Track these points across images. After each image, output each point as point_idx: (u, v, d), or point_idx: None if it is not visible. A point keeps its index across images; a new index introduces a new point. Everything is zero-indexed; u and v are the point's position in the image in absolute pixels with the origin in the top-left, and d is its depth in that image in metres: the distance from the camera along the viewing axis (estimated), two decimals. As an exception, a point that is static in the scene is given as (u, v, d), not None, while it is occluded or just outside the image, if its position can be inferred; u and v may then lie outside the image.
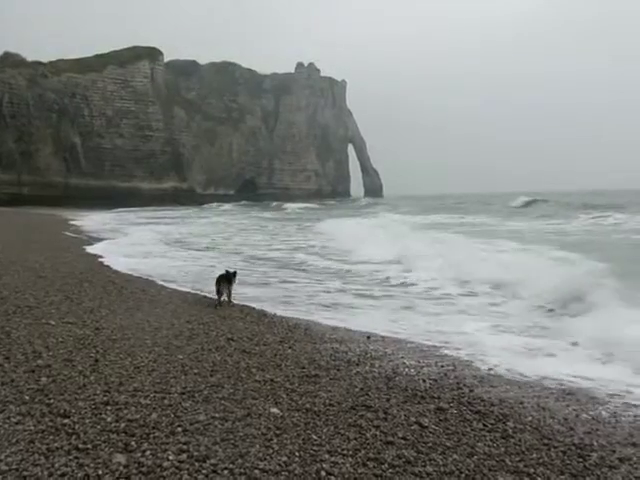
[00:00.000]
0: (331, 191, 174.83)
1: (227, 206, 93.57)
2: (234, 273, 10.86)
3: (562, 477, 4.22)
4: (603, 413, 5.53)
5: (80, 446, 4.28)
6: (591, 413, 5.52)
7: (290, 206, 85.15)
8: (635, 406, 5.71)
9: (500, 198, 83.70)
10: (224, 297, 10.67)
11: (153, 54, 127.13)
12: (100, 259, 18.05)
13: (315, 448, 4.47)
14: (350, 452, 4.44)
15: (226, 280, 10.68)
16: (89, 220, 49.05)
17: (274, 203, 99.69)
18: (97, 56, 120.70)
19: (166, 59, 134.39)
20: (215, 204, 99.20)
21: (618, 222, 33.88)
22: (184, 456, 4.21)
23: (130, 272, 14.91)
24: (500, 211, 53.77)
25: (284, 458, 4.27)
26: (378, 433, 4.82)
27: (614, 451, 4.66)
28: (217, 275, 10.93)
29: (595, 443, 4.81)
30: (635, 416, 5.46)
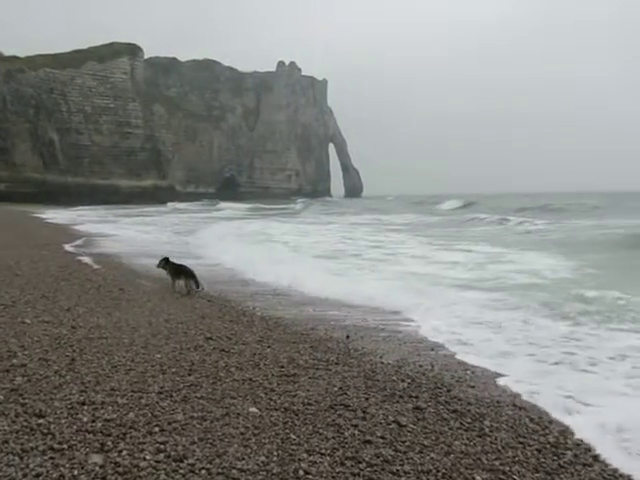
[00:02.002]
0: (312, 190, 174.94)
1: (182, 205, 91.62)
2: (166, 259, 12.26)
3: (537, 475, 4.27)
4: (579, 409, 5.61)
5: (55, 446, 4.23)
6: (568, 409, 5.60)
7: (231, 206, 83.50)
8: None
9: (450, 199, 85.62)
10: (192, 286, 11.76)
11: (133, 50, 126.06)
12: (78, 257, 17.85)
13: (293, 447, 4.48)
14: (328, 451, 4.45)
15: (177, 269, 12.06)
16: (67, 217, 48.48)
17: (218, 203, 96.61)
18: (75, 52, 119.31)
19: (146, 56, 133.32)
20: (172, 203, 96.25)
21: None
22: (161, 456, 4.18)
23: (109, 270, 14.77)
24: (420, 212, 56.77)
25: (262, 457, 4.27)
26: (356, 432, 4.84)
27: (588, 449, 4.74)
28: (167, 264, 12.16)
29: (570, 442, 4.88)
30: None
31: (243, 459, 4.22)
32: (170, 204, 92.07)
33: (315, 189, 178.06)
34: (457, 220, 43.92)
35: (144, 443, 4.36)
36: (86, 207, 77.56)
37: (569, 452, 4.66)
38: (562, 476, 4.27)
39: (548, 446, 4.76)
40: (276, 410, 5.24)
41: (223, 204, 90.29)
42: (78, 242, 24.03)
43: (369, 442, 4.65)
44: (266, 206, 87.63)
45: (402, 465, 4.30)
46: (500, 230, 33.29)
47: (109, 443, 4.33)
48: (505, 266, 16.44)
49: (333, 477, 4.08)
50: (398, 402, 5.66)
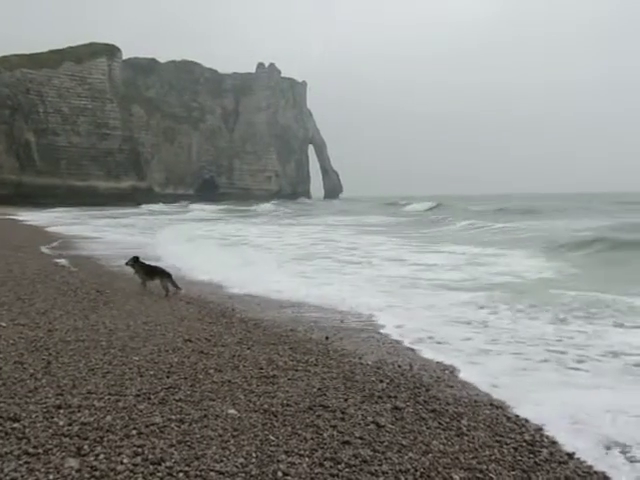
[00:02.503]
0: (291, 192, 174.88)
1: (157, 207, 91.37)
2: (136, 258, 12.28)
3: (513, 473, 4.32)
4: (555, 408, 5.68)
5: (31, 450, 4.18)
6: (543, 408, 5.66)
7: (203, 207, 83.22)
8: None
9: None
10: (169, 287, 11.78)
11: (111, 51, 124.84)
12: (55, 259, 17.63)
13: (272, 449, 4.47)
14: (307, 452, 4.45)
15: (150, 269, 12.13)
16: (43, 219, 47.86)
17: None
18: (52, 52, 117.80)
19: (124, 57, 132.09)
20: (146, 205, 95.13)
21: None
22: (139, 459, 4.15)
23: (86, 272, 14.60)
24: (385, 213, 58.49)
25: (241, 459, 4.26)
26: (335, 433, 4.85)
27: (563, 446, 4.80)
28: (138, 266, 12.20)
29: (546, 440, 4.94)
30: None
31: (221, 461, 4.21)
32: (144, 206, 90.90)
33: (295, 191, 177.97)
34: (421, 221, 44.46)
35: (121, 446, 4.33)
36: (61, 209, 76.74)
37: (545, 450, 4.72)
38: (538, 474, 4.33)
39: (524, 444, 4.82)
40: (255, 412, 5.23)
41: (195, 206, 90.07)
42: (54, 244, 23.74)
43: (348, 443, 4.66)
44: (237, 207, 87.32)
45: (380, 465, 4.32)
46: (470, 230, 33.63)
47: (85, 447, 4.28)
48: (483, 267, 16.60)
49: (312, 478, 4.09)
50: (377, 402, 5.68)
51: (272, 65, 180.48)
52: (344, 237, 28.96)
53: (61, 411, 4.93)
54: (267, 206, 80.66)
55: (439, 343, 8.25)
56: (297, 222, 48.10)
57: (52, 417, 4.79)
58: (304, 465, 4.25)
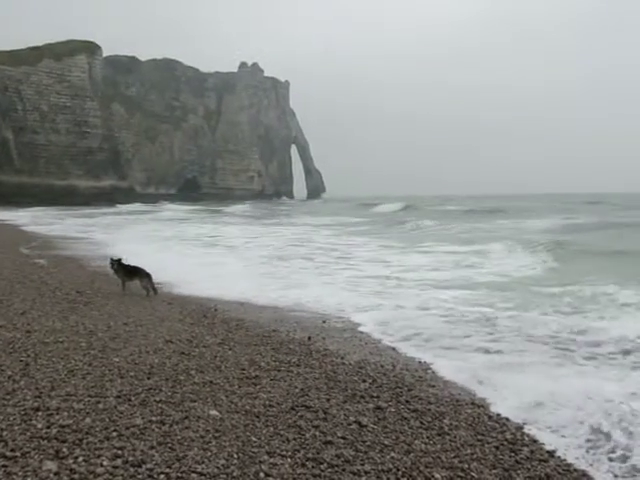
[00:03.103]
0: (274, 191, 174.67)
1: (133, 206, 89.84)
2: (118, 260, 12.01)
3: (495, 471, 4.35)
4: (535, 406, 5.73)
5: (8, 454, 4.11)
6: (524, 407, 5.71)
7: (179, 208, 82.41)
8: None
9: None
10: (150, 287, 11.70)
11: (91, 48, 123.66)
12: (34, 259, 17.40)
13: (254, 450, 4.45)
14: (289, 453, 4.44)
15: (131, 270, 11.90)
16: (22, 218, 47.25)
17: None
18: (31, 49, 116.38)
19: (105, 54, 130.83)
20: (121, 205, 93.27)
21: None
22: (119, 461, 4.10)
23: (66, 272, 14.43)
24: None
25: (222, 461, 4.23)
26: (317, 433, 4.84)
27: (544, 444, 4.84)
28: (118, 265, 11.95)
29: (526, 438, 4.98)
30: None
31: (203, 462, 4.18)
32: (120, 206, 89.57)
33: (278, 190, 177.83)
34: (386, 222, 43.76)
35: (101, 449, 4.28)
36: (38, 208, 75.85)
37: (525, 448, 4.76)
38: (519, 472, 4.36)
39: (505, 443, 4.86)
40: (237, 413, 5.20)
41: (171, 205, 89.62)
42: (34, 244, 23.44)
43: (330, 443, 4.66)
44: (210, 207, 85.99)
45: (363, 465, 4.32)
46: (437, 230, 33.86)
47: (64, 449, 4.22)
48: (467, 267, 16.71)
49: (294, 479, 4.08)
50: (359, 402, 5.68)
51: (255, 64, 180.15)
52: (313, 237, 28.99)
53: (39, 413, 4.86)
54: (239, 207, 79.37)
55: (423, 341, 8.29)
56: (259, 223, 46.94)
57: (30, 420, 4.72)
58: (286, 466, 4.23)
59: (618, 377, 6.51)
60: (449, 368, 6.99)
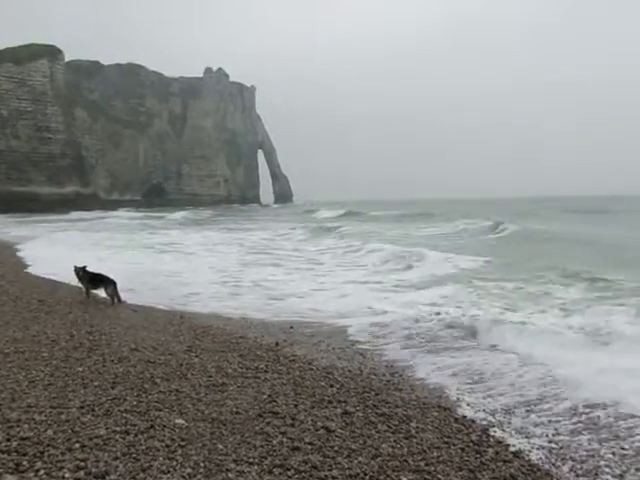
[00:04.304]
0: (241, 197, 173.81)
1: (87, 214, 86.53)
2: (83, 268, 11.66)
3: (460, 473, 4.39)
4: (500, 410, 5.82)
5: (-35, 469, 3.99)
6: (489, 410, 5.79)
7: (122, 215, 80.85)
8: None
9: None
10: (116, 294, 11.44)
11: (52, 52, 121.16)
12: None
13: (220, 458, 4.41)
14: (256, 460, 4.41)
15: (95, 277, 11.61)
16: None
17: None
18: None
19: (67, 59, 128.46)
20: (76, 212, 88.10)
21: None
22: (81, 473, 4.01)
23: (27, 281, 14.10)
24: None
25: (188, 470, 4.18)
26: (285, 439, 4.82)
27: (508, 445, 4.92)
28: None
29: (492, 440, 5.05)
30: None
31: (168, 472, 4.12)
32: (74, 213, 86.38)
33: (244, 196, 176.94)
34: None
35: (63, 461, 4.18)
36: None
37: (490, 449, 4.83)
38: (484, 473, 4.42)
39: (471, 445, 4.91)
40: (203, 421, 5.15)
41: (120, 212, 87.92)
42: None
43: (297, 449, 4.64)
44: (154, 214, 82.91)
45: (330, 470, 4.32)
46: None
47: (24, 463, 4.11)
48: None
49: (261, 486, 4.05)
50: (327, 407, 5.68)
51: (220, 69, 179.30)
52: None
53: (-1, 426, 4.73)
54: (181, 213, 76.99)
55: (389, 344, 8.34)
56: (192, 230, 42.88)
57: (-11, 433, 4.59)
58: (253, 473, 4.20)
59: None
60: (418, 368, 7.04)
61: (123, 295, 11.69)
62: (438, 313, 10.20)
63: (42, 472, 4.01)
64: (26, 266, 18.04)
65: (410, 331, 9.24)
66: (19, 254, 22.21)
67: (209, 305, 11.98)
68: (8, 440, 4.47)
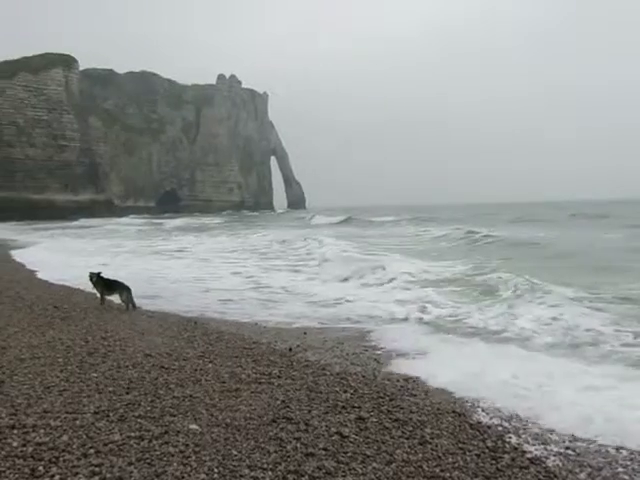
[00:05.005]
0: (254, 203, 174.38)
1: (95, 220, 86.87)
2: (98, 274, 11.77)
3: (476, 479, 4.35)
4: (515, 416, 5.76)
5: (-18, 474, 4.02)
6: (505, 416, 5.74)
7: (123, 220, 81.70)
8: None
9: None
10: (131, 300, 11.46)
11: (67, 61, 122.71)
12: (9, 275, 17.13)
13: (234, 463, 4.40)
14: (270, 466, 4.39)
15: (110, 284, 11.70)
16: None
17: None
18: (6, 62, 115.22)
19: (81, 67, 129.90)
20: (84, 219, 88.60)
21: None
22: (96, 479, 4.03)
23: (42, 287, 14.22)
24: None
25: (202, 475, 4.18)
26: (299, 445, 4.80)
27: (524, 452, 4.86)
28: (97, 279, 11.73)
29: (507, 446, 4.99)
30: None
31: (182, 478, 4.12)
32: (82, 220, 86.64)
33: (257, 202, 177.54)
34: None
35: (78, 466, 4.20)
36: (12, 223, 74.93)
37: (506, 456, 4.77)
38: (500, 479, 4.36)
39: (487, 451, 4.86)
40: (217, 426, 5.15)
41: (124, 219, 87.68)
42: (9, 258, 23.08)
43: (312, 454, 4.63)
44: (154, 220, 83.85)
45: (344, 476, 4.29)
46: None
47: (40, 468, 4.14)
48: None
49: (275, 492, 4.03)
50: (341, 413, 5.66)
51: (233, 76, 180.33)
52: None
53: (15, 431, 4.76)
54: (176, 222, 76.75)
55: (402, 350, 8.31)
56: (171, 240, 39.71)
57: (5, 438, 4.63)
58: (267, 479, 4.19)
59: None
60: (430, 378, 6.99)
61: (147, 302, 11.75)
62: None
63: (57, 477, 4.03)
64: (35, 272, 18.21)
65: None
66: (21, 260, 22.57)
67: (249, 312, 11.84)
68: (24, 445, 4.50)
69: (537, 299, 11.39)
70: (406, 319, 10.66)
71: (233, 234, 44.03)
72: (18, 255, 25.20)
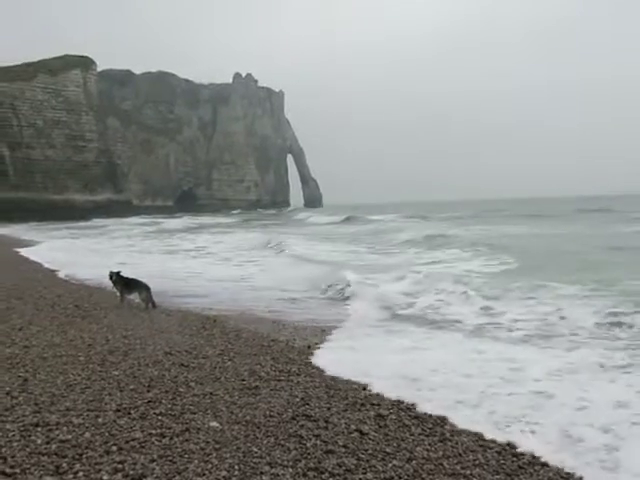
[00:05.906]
0: (271, 201, 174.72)
1: (109, 220, 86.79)
2: (117, 273, 11.84)
3: (497, 477, 4.32)
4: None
5: (7, 470, 4.08)
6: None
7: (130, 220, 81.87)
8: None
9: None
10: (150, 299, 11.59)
11: (85, 63, 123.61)
12: (31, 275, 17.35)
13: (255, 460, 4.42)
14: (290, 463, 4.41)
15: (129, 282, 11.82)
16: (16, 233, 47.16)
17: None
18: (26, 64, 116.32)
19: (99, 68, 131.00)
20: (97, 219, 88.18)
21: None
22: (119, 475, 4.08)
23: (63, 287, 14.39)
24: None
25: (223, 472, 4.20)
26: (318, 442, 4.81)
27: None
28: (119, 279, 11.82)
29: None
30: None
31: (203, 475, 4.15)
32: (95, 220, 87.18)
33: (274, 200, 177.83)
34: None
35: (101, 463, 4.25)
36: (33, 223, 75.80)
37: (528, 453, 4.73)
38: (521, 477, 4.34)
39: (507, 448, 4.83)
40: (237, 423, 5.18)
41: (133, 219, 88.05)
42: (32, 259, 23.38)
43: (331, 452, 4.63)
44: (155, 220, 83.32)
45: (365, 473, 4.29)
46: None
47: (64, 465, 4.20)
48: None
49: (296, 489, 4.05)
50: (360, 410, 5.66)
51: (249, 75, 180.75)
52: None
53: (39, 429, 4.84)
54: (177, 222, 76.07)
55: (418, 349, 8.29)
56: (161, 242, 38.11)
57: (29, 435, 4.70)
58: (287, 476, 4.20)
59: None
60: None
61: (201, 301, 11.96)
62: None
63: (81, 474, 4.08)
64: (55, 271, 18.42)
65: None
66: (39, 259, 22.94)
67: (312, 312, 11.76)
68: (48, 443, 4.57)
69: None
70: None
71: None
72: (35, 254, 25.49)
